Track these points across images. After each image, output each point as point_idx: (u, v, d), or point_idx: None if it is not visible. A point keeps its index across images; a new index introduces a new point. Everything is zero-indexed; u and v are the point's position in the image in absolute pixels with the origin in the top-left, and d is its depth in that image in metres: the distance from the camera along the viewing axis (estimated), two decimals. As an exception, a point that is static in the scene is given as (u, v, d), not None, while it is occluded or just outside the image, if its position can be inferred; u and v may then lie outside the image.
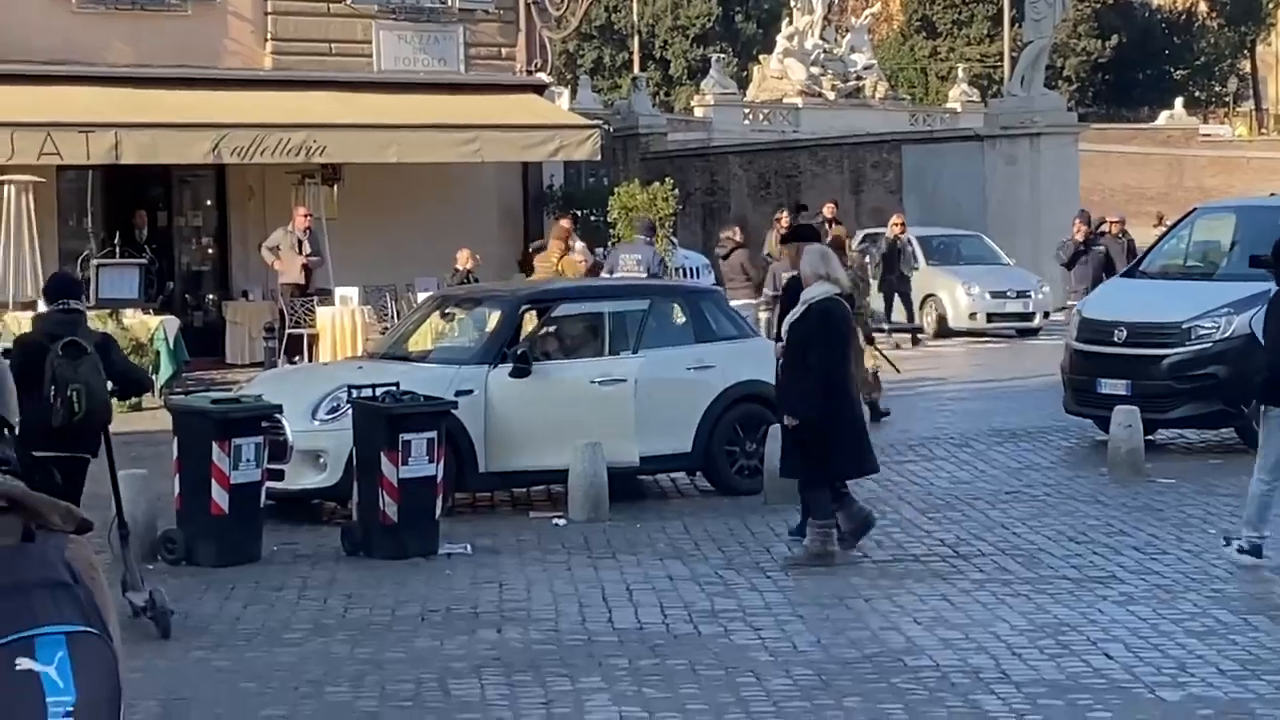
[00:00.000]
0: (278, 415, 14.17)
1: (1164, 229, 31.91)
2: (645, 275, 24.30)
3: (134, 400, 22.59)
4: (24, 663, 3.49)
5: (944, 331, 33.20)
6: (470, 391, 15.35)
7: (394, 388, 14.08)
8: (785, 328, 13.77)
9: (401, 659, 10.67)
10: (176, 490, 13.65)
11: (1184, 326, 18.52)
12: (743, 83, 70.51)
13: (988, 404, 22.94)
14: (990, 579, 12.73)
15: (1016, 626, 11.27)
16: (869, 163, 41.62)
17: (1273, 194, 23.14)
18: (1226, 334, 18.35)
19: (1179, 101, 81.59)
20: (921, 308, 33.18)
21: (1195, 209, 21.20)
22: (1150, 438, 19.08)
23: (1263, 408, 12.99)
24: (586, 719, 9.39)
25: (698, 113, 63.10)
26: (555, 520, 15.21)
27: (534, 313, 16.26)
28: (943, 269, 33.94)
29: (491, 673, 10.29)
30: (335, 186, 29.56)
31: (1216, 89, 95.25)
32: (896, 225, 31.78)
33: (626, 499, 15.99)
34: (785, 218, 29.10)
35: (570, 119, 31.57)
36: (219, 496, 13.33)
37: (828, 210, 30.91)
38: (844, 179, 42.05)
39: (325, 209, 28.79)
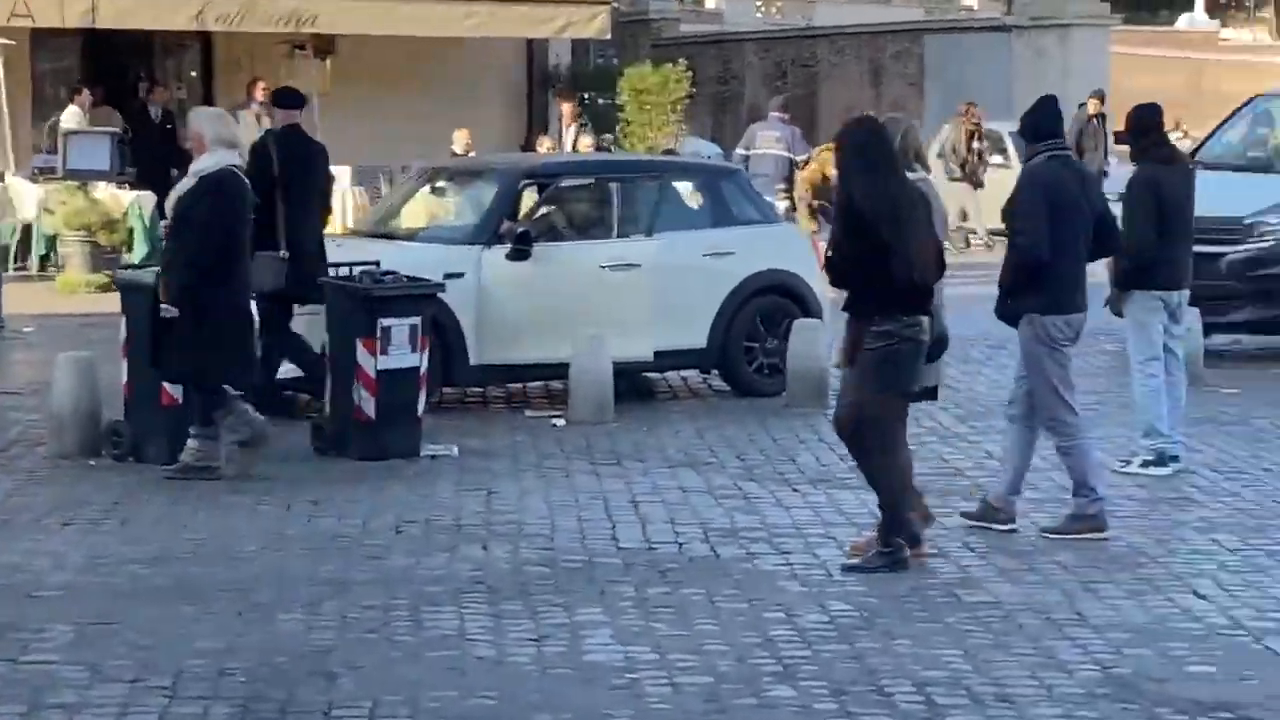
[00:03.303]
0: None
1: (1182, 134, 30.19)
2: (787, 154, 23.27)
3: (105, 278, 21.08)
4: None
5: None
6: (461, 274, 13.73)
7: (373, 267, 12.47)
8: (172, 201, 11.55)
9: (370, 580, 9.11)
10: (124, 377, 12.05)
11: (1246, 222, 16.87)
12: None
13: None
14: (1049, 499, 11.13)
15: (1087, 555, 9.71)
16: (889, 53, 39.75)
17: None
18: (1293, 231, 16.72)
19: (1199, 4, 79.58)
20: None
21: (1255, 96, 19.47)
22: (1205, 342, 17.53)
23: (1130, 292, 11.95)
24: (584, 659, 7.84)
25: (709, 4, 61.16)
26: (554, 421, 13.63)
27: (535, 188, 14.60)
28: None
29: (473, 599, 8.73)
30: (328, 60, 27.91)
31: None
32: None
33: (633, 399, 14.43)
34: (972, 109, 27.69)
35: (579, -6, 29.75)
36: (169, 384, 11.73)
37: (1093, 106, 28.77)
38: (863, 69, 40.21)
39: (317, 83, 27.09)
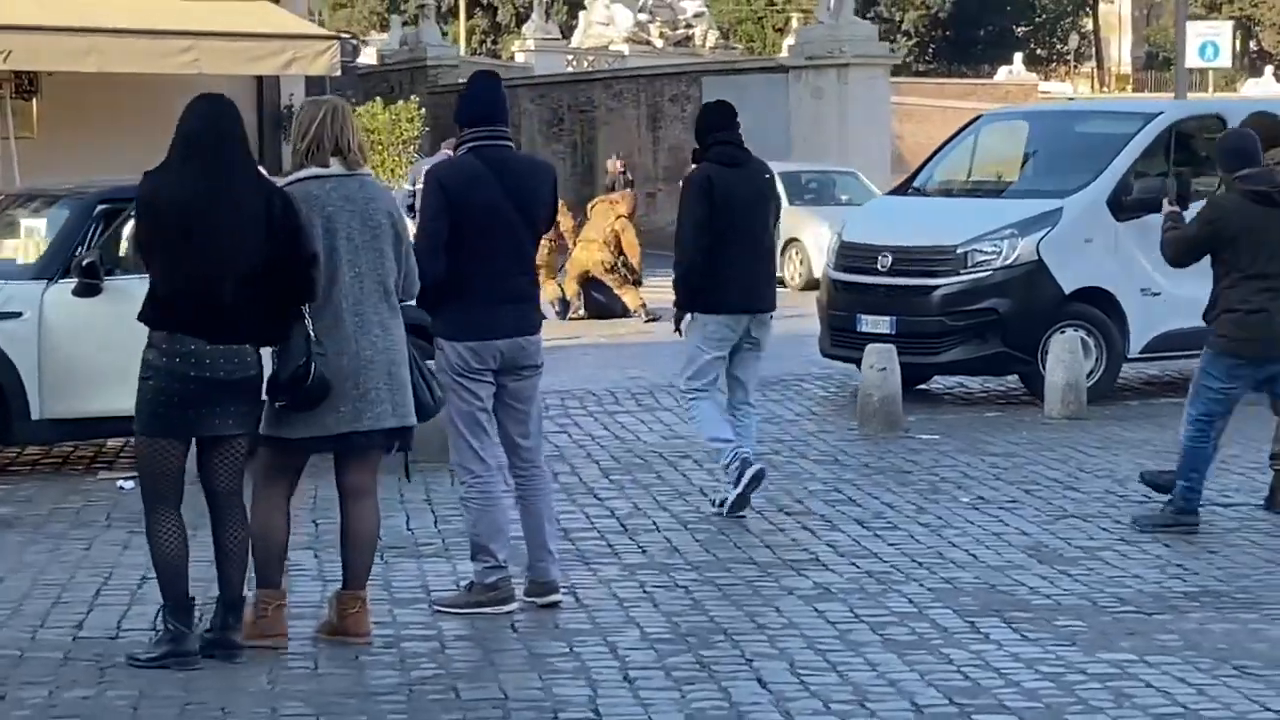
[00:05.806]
0: None
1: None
2: None
3: None
4: None
5: (812, 284, 24.40)
6: (19, 314, 11.83)
7: None
8: None
9: None
10: None
11: (959, 251, 15.20)
12: (570, 33, 67.18)
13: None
14: (649, 563, 9.37)
15: (650, 635, 7.91)
16: (667, 96, 38.19)
17: (1071, 99, 19.95)
18: (1009, 260, 15.06)
19: (1019, 58, 79.12)
20: (784, 254, 26.85)
21: (980, 116, 17.90)
22: (924, 386, 15.95)
23: (694, 315, 10.47)
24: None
25: (519, 59, 59.72)
26: (120, 482, 11.67)
27: (117, 214, 12.62)
28: (807, 209, 28.19)
29: None
30: (34, 100, 25.96)
31: (1058, 46, 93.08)
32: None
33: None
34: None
35: (305, 29, 27.82)
36: None
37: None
38: (640, 113, 38.65)
39: (19, 126, 25.11)
